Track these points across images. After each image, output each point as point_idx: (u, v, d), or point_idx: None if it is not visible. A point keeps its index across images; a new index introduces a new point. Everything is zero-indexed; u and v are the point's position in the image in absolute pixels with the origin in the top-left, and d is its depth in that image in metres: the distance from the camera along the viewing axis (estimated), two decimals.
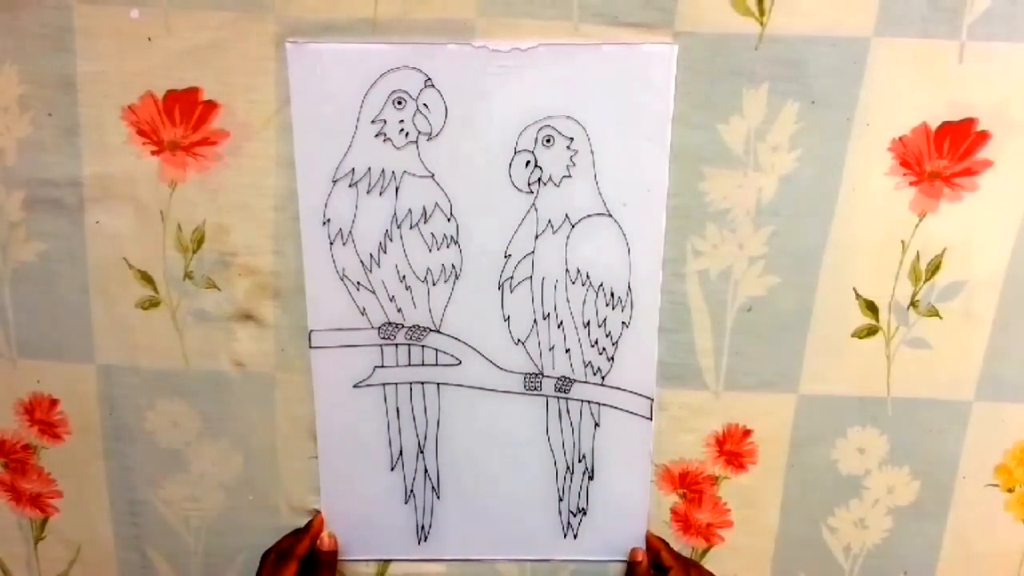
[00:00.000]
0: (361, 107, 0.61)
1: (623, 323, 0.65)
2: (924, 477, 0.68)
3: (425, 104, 0.61)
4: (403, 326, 0.66)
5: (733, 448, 0.68)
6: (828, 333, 0.65)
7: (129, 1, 0.59)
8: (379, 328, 0.66)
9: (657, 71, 0.60)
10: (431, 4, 0.59)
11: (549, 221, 0.63)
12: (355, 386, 0.67)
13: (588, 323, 0.65)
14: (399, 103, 0.61)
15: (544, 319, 0.65)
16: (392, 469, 0.69)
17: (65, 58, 0.61)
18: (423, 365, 0.67)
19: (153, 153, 0.63)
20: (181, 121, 0.62)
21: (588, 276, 0.64)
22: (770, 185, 0.62)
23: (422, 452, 0.69)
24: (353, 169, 0.63)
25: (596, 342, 0.66)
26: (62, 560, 0.74)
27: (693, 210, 0.63)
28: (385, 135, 0.62)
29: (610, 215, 0.63)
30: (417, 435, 0.68)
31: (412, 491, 0.69)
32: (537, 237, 0.64)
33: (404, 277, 0.65)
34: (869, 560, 0.70)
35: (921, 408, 0.66)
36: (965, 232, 0.62)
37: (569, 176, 0.62)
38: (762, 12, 0.58)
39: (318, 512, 0.69)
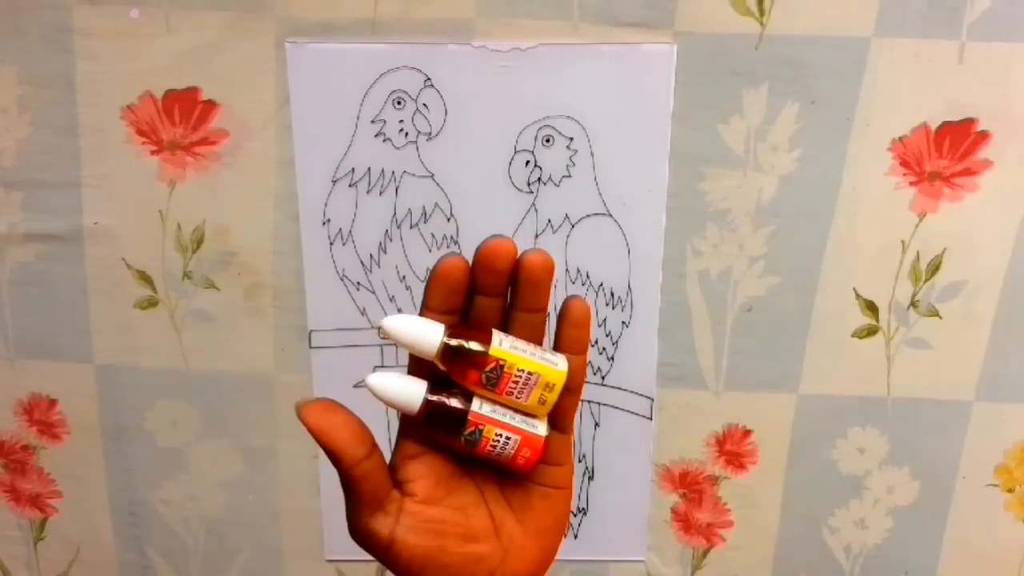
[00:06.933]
0: (361, 107, 0.61)
1: (623, 323, 0.65)
2: (924, 477, 0.68)
3: (425, 104, 0.61)
4: None
5: (733, 448, 0.68)
6: (828, 333, 0.65)
7: (129, 1, 0.59)
8: (379, 328, 0.66)
9: (657, 71, 0.60)
10: (431, 4, 0.59)
11: (549, 221, 0.63)
12: (355, 386, 0.67)
13: None
14: (399, 103, 0.61)
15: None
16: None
17: (64, 58, 0.61)
18: None
19: (152, 153, 0.63)
20: (180, 121, 0.62)
21: (588, 276, 0.64)
22: (770, 185, 0.62)
23: None
24: (353, 169, 0.63)
25: (596, 342, 0.66)
26: (62, 560, 0.74)
27: (693, 210, 0.62)
28: (385, 135, 0.62)
29: (610, 215, 0.63)
30: None
31: None
32: (537, 237, 0.63)
33: (404, 277, 0.65)
34: (869, 560, 0.70)
35: (921, 408, 0.66)
36: (965, 232, 0.62)
37: (569, 176, 0.62)
38: (762, 12, 0.58)
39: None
